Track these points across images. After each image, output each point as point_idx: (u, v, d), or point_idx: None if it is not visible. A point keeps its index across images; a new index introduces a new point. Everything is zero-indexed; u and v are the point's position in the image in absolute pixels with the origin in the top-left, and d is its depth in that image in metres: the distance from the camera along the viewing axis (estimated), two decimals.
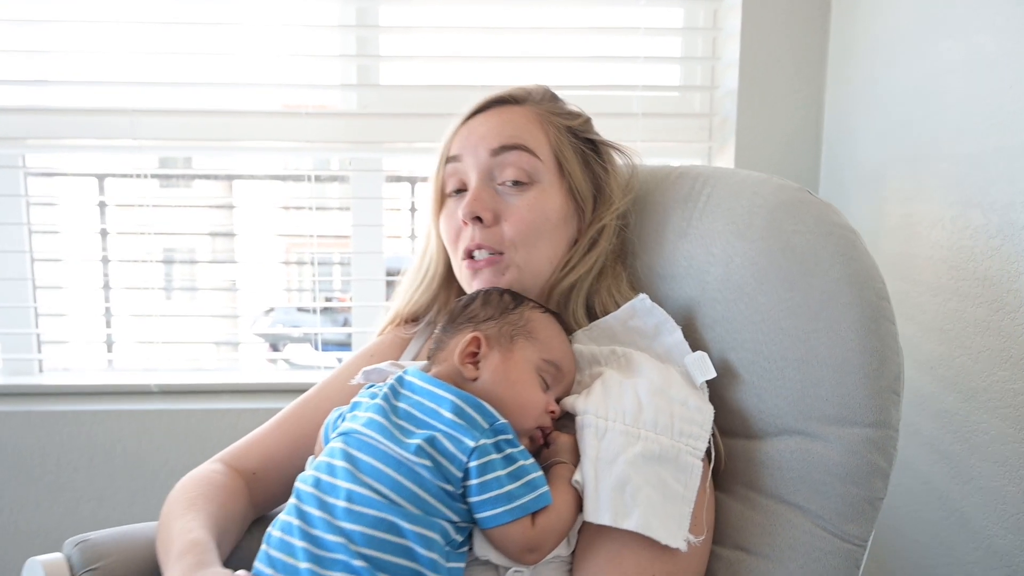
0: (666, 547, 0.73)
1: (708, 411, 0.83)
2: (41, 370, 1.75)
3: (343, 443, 0.75)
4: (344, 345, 1.99)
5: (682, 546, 0.74)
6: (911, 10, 1.32)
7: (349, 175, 1.74)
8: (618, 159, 1.03)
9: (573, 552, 0.77)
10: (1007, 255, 1.09)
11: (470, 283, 0.94)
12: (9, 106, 1.63)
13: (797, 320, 0.84)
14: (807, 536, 0.82)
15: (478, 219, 0.92)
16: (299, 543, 0.70)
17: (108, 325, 1.80)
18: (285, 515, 0.74)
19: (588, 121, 1.02)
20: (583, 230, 0.98)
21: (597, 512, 0.73)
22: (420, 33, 1.68)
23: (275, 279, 2.43)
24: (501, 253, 0.92)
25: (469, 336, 0.82)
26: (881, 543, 1.38)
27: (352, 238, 1.75)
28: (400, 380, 0.80)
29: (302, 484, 0.75)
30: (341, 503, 0.70)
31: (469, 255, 0.93)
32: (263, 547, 0.73)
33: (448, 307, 0.98)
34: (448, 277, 1.02)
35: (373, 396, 0.80)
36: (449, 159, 0.97)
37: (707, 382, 0.86)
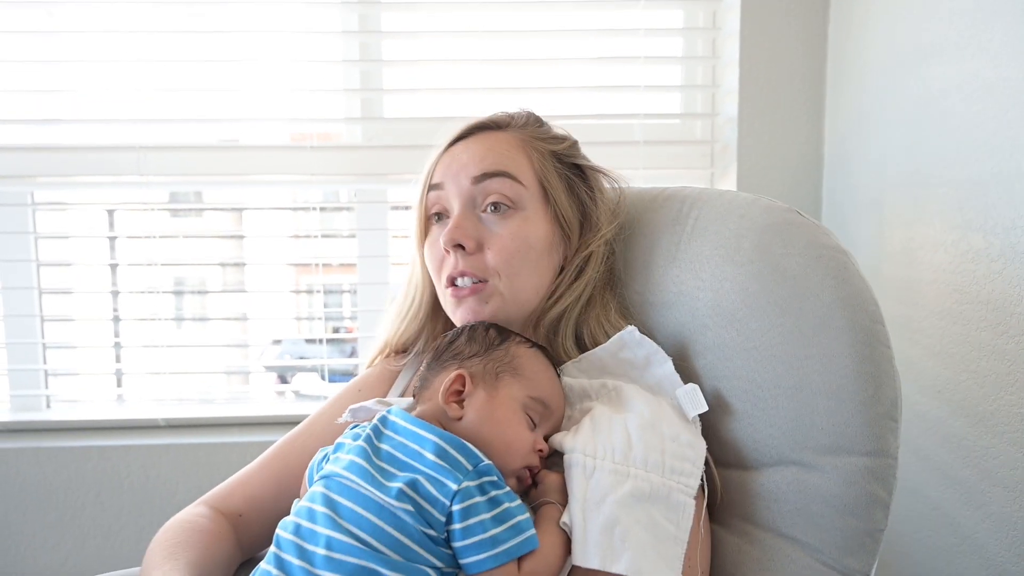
0: None
1: (700, 447, 0.80)
2: (48, 406, 1.76)
3: (324, 487, 0.74)
4: (352, 375, 2.00)
5: None
6: (906, 37, 1.33)
7: (354, 206, 1.76)
8: (605, 183, 1.01)
9: None
10: (1009, 279, 1.09)
11: (454, 311, 0.92)
12: (17, 144, 1.65)
13: (789, 346, 0.82)
14: (806, 571, 0.79)
15: (460, 247, 0.90)
16: None
17: (118, 360, 1.81)
18: (265, 564, 0.72)
19: (574, 145, 1.01)
20: (569, 258, 0.96)
21: (585, 555, 0.71)
22: (423, 66, 1.70)
23: (284, 309, 2.45)
24: (485, 281, 0.90)
25: (454, 374, 0.80)
26: (892, 570, 1.37)
27: (358, 268, 1.76)
28: (383, 420, 0.78)
29: (282, 531, 0.73)
30: (321, 551, 0.68)
31: (452, 282, 0.92)
32: None
33: (435, 339, 0.96)
34: (435, 306, 1.00)
35: (356, 437, 0.78)
36: (431, 187, 0.95)
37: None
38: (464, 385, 0.80)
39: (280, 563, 0.70)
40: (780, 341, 0.83)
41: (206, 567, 0.84)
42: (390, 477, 0.72)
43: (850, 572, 0.79)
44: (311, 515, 0.72)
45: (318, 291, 1.79)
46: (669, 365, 0.85)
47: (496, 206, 0.91)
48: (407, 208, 2.11)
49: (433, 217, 0.96)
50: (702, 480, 0.79)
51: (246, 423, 1.73)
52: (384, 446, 0.75)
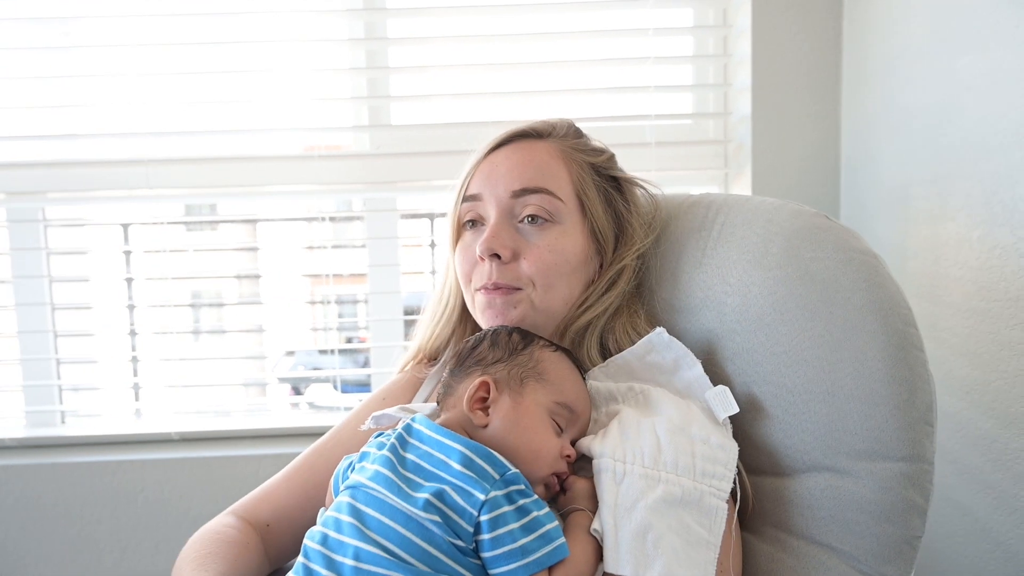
0: None
1: (732, 448, 0.78)
2: (63, 421, 1.75)
3: (350, 497, 0.73)
4: (365, 385, 1.98)
5: None
6: (925, 27, 1.30)
7: (364, 215, 1.74)
8: (640, 194, 1.01)
9: None
10: None
11: (483, 313, 0.92)
12: (27, 161, 1.65)
13: (820, 351, 0.81)
14: None
15: (496, 256, 0.89)
16: None
17: (135, 374, 1.80)
18: (292, 575, 0.72)
19: (612, 158, 1.00)
20: (602, 269, 0.96)
21: (618, 563, 0.70)
22: (430, 72, 1.68)
23: (298, 320, 2.44)
24: (518, 288, 0.90)
25: (478, 381, 0.79)
26: None
27: (369, 278, 1.74)
28: (408, 429, 0.77)
29: (309, 541, 0.72)
30: (349, 561, 0.68)
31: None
32: None
33: (457, 348, 0.95)
34: (466, 311, 1.00)
35: (381, 446, 0.77)
36: (467, 198, 0.95)
37: (731, 417, 0.81)
38: (489, 392, 0.79)
39: (308, 573, 0.70)
40: (810, 345, 0.82)
41: None
42: (416, 487, 0.71)
43: None
44: (338, 525, 0.71)
45: (331, 302, 1.78)
46: (699, 367, 0.84)
47: (533, 218, 0.91)
48: (416, 217, 2.10)
49: (467, 224, 0.95)
50: (733, 484, 0.78)
51: (261, 435, 1.72)
52: (409, 455, 0.74)
